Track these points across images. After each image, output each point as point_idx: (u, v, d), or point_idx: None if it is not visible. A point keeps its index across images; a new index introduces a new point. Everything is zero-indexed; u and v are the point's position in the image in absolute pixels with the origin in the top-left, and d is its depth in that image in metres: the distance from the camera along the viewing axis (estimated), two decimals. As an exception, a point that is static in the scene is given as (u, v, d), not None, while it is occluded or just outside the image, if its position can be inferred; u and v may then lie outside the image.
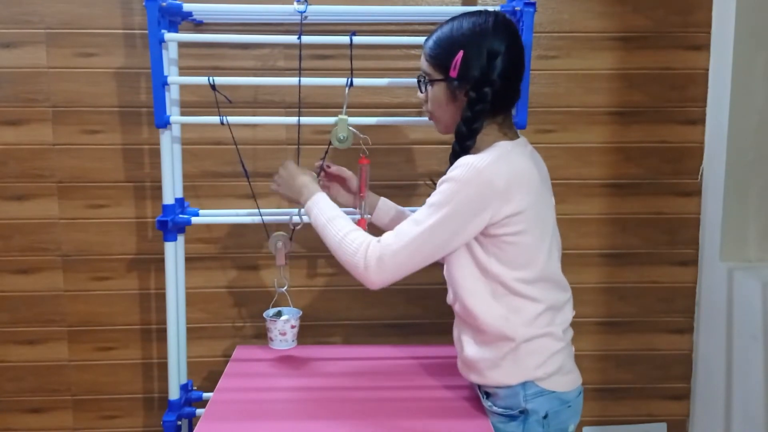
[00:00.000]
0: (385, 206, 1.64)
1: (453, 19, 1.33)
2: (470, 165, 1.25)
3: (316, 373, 1.62)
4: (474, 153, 1.30)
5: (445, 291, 1.44)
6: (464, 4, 1.95)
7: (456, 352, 1.45)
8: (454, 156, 1.31)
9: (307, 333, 2.01)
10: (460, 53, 1.28)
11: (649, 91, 2.00)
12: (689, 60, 1.99)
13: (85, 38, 1.90)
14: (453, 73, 1.29)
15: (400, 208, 1.66)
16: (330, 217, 1.38)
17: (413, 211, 1.68)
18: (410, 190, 1.97)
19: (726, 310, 1.93)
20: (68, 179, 1.95)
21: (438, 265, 1.50)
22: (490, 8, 1.55)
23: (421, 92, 1.39)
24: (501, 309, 1.30)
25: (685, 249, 2.08)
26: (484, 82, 1.28)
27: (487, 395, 1.37)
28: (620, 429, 2.13)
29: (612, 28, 1.97)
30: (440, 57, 1.31)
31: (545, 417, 1.31)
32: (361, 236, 1.32)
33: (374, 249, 1.29)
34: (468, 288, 1.32)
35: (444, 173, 1.30)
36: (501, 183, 1.24)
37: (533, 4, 1.62)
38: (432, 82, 1.34)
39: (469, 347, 1.36)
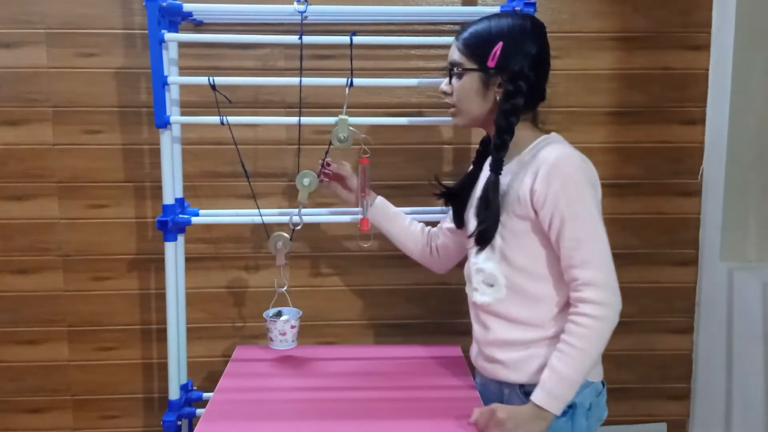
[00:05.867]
0: (383, 204, 1.65)
1: (489, 17, 1.35)
2: (570, 155, 1.28)
3: (316, 373, 1.61)
4: (513, 148, 1.32)
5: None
6: (464, 4, 1.95)
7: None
8: (495, 150, 1.31)
9: (307, 333, 2.01)
10: (500, 44, 1.30)
11: (649, 91, 2.00)
12: (689, 60, 1.99)
13: (85, 38, 1.90)
14: (491, 63, 1.30)
15: (395, 209, 1.66)
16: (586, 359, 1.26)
17: (410, 212, 1.69)
18: (410, 190, 1.97)
19: (726, 310, 1.93)
20: (68, 179, 1.95)
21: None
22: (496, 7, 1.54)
23: (449, 83, 1.38)
24: (560, 299, 1.31)
25: (685, 249, 2.08)
26: (520, 75, 1.30)
27: (529, 394, 1.30)
28: (620, 429, 2.13)
29: (612, 28, 1.97)
30: (477, 47, 1.32)
31: (589, 408, 1.31)
32: (581, 310, 1.24)
33: (593, 296, 1.23)
34: (535, 276, 1.32)
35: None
36: (593, 169, 1.30)
37: (533, 4, 1.62)
38: (465, 71, 1.34)
39: (517, 349, 1.34)
